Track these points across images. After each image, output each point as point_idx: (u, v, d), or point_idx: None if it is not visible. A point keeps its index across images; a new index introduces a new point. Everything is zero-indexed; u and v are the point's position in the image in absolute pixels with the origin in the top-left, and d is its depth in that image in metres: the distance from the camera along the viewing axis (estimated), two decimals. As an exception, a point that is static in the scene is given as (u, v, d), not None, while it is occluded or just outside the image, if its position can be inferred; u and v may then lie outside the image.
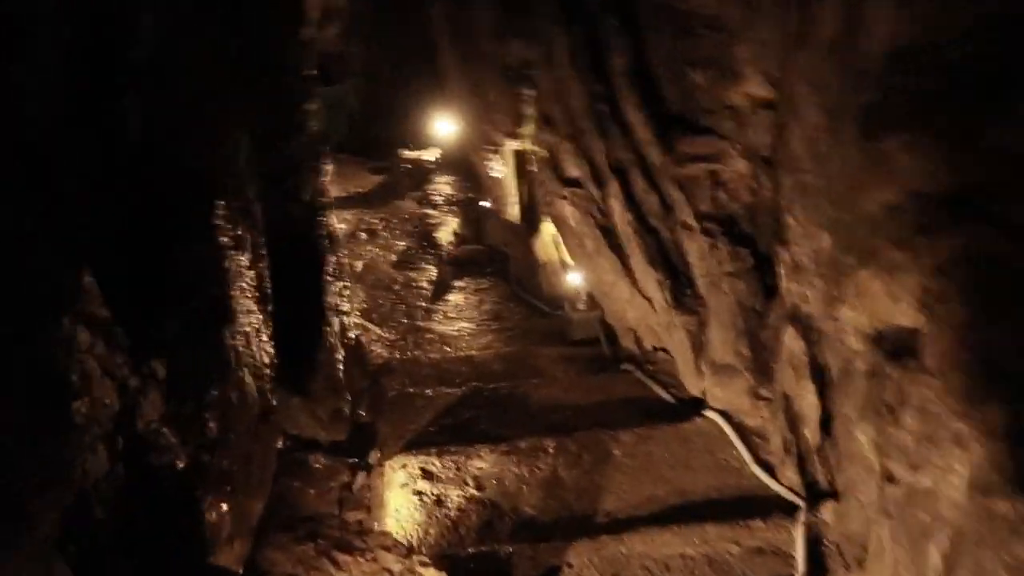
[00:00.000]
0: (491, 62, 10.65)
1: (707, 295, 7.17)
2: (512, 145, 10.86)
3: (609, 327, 10.25)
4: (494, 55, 10.48)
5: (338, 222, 17.19)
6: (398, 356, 10.67)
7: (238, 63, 4.85)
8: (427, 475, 7.08)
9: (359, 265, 14.06)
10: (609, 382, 8.89)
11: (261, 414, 4.81)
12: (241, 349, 4.38)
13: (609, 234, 8.23)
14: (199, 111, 4.06)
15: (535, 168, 9.52)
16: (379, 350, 10.61)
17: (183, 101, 3.80)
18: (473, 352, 10.56)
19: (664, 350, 8.73)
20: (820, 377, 6.01)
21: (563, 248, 10.79)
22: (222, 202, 4.11)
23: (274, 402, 5.93)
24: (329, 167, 8.52)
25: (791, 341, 6.15)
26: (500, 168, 11.62)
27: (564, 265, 11.32)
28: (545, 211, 9.56)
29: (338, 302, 8.15)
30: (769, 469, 6.90)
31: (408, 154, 17.59)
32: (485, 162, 11.85)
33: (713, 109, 7.26)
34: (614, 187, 7.86)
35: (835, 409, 5.81)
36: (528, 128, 9.51)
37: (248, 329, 4.56)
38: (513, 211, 11.96)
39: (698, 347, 7.53)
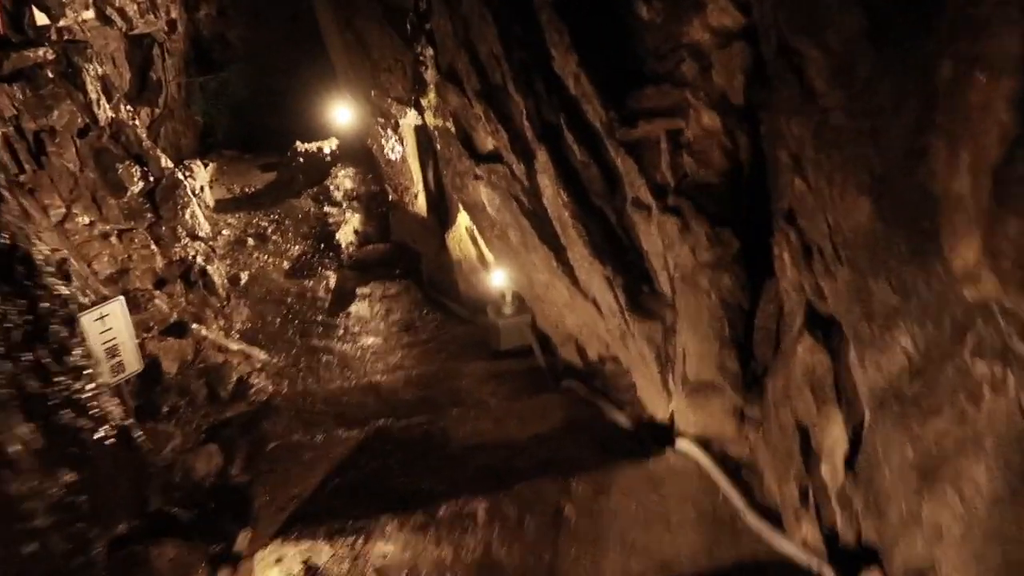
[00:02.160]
0: (375, 12, 8.43)
1: (676, 293, 5.29)
2: (410, 118, 8.68)
3: (543, 334, 8.30)
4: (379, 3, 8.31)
5: (222, 228, 14.82)
6: (286, 389, 8.44)
7: None
8: (312, 571, 4.96)
9: (244, 276, 11.72)
10: (548, 406, 6.92)
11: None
12: None
13: (539, 221, 6.24)
14: None
15: (439, 143, 7.52)
16: (262, 382, 8.37)
17: None
18: (380, 377, 8.42)
19: (614, 359, 6.82)
20: (849, 402, 4.20)
21: (482, 242, 8.78)
22: None
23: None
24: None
25: (809, 354, 4.30)
26: (398, 146, 9.41)
27: (484, 262, 9.30)
28: (457, 197, 7.57)
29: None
30: (772, 519, 5.06)
31: (303, 147, 15.23)
32: (380, 142, 9.60)
33: (667, 50, 5.36)
34: (543, 158, 5.87)
35: (875, 444, 3.99)
36: (429, 97, 7.47)
37: None
38: (419, 201, 9.80)
39: (664, 360, 5.64)
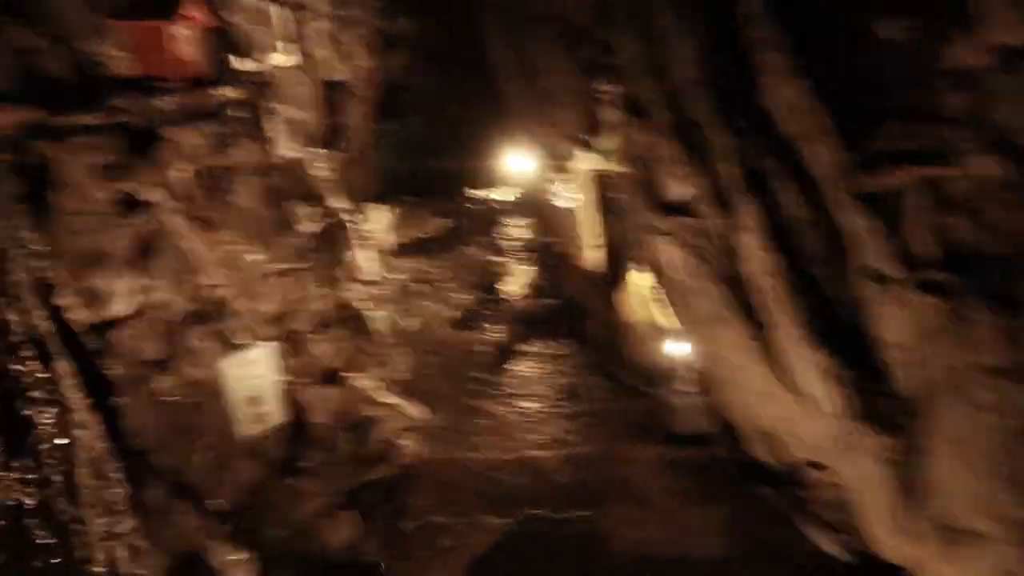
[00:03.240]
0: (549, 33, 7.43)
1: (930, 402, 3.86)
2: (585, 161, 7.64)
3: (729, 422, 6.92)
4: (556, 28, 7.33)
5: (393, 272, 14.52)
6: (435, 454, 7.58)
7: None
8: None
9: (409, 324, 11.16)
10: (733, 516, 5.58)
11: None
12: None
13: (736, 289, 5.00)
14: None
15: (617, 189, 6.43)
16: (411, 443, 7.55)
17: None
18: (537, 452, 7.34)
19: (823, 468, 5.35)
20: None
21: (662, 305, 7.57)
22: None
23: None
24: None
25: None
26: (571, 196, 8.37)
27: (662, 329, 8.06)
28: (635, 254, 6.45)
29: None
30: None
31: (476, 194, 14.76)
32: (549, 188, 8.57)
33: (922, 77, 4.03)
34: (747, 212, 4.66)
35: None
36: (609, 140, 6.46)
37: None
38: (592, 255, 8.72)
39: (907, 489, 4.17)
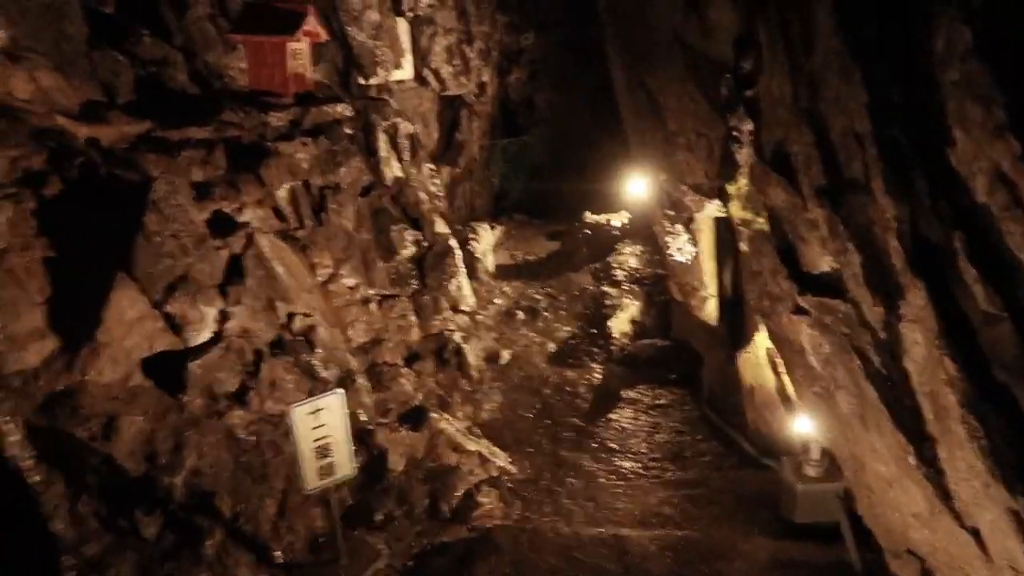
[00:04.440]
0: (676, 67, 6.40)
1: None
2: (710, 210, 6.55)
3: (860, 522, 5.71)
4: (683, 57, 6.28)
5: (496, 296, 13.85)
6: (516, 516, 6.75)
7: None
8: None
9: (506, 355, 10.42)
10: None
11: None
12: None
13: (894, 392, 3.90)
14: None
15: (747, 246, 5.40)
16: (492, 500, 6.77)
17: None
18: (629, 529, 6.37)
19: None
20: None
21: (786, 375, 6.45)
22: None
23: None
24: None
25: None
26: (688, 246, 7.28)
27: (786, 396, 6.91)
28: (762, 321, 5.42)
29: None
30: None
31: (592, 218, 13.85)
32: (665, 237, 7.52)
33: None
34: (917, 300, 3.56)
35: None
36: (739, 184, 5.46)
37: None
38: (707, 307, 7.63)
39: None
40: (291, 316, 7.31)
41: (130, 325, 6.29)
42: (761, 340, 6.70)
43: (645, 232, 12.95)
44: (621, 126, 12.42)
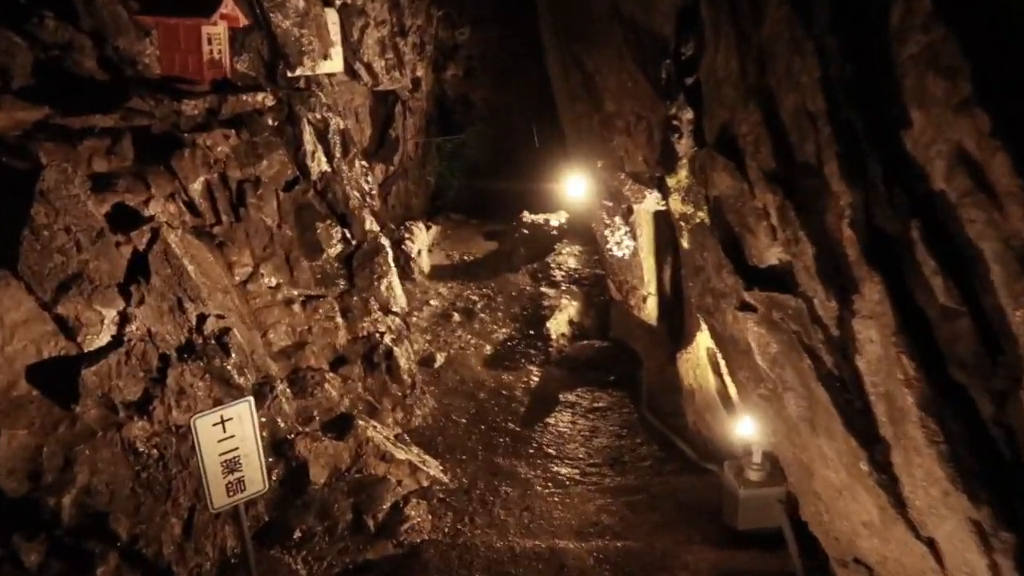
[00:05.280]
0: (614, 41, 5.92)
1: None
2: (649, 203, 6.16)
3: (805, 529, 5.43)
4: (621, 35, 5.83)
5: (431, 297, 13.31)
6: (447, 529, 6.27)
7: None
8: None
9: (440, 358, 9.93)
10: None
11: None
12: None
13: (846, 394, 3.59)
14: None
15: (688, 241, 5.04)
16: (421, 513, 6.28)
17: None
18: (566, 541, 5.96)
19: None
20: None
21: (729, 376, 6.15)
22: None
23: None
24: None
25: None
26: (627, 240, 6.91)
27: (727, 398, 6.62)
28: (704, 319, 5.08)
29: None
30: None
31: (530, 217, 13.46)
32: (603, 230, 7.10)
33: None
34: (872, 293, 3.24)
35: None
36: (680, 175, 5.11)
37: None
38: (647, 306, 7.28)
39: None
40: (203, 318, 6.67)
41: (14, 328, 5.58)
42: (702, 340, 6.39)
43: (584, 232, 12.63)
44: (559, 126, 12.08)
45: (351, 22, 12.01)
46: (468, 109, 15.17)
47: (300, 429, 6.97)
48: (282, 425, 6.83)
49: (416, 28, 13.27)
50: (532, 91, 14.06)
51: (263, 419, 6.70)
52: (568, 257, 12.55)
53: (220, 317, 6.81)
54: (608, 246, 7.11)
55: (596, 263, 11.95)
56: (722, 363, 6.28)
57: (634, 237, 6.74)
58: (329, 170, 9.22)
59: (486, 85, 15.14)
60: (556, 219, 13.44)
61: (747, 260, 4.10)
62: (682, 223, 5.65)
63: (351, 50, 12.23)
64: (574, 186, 12.16)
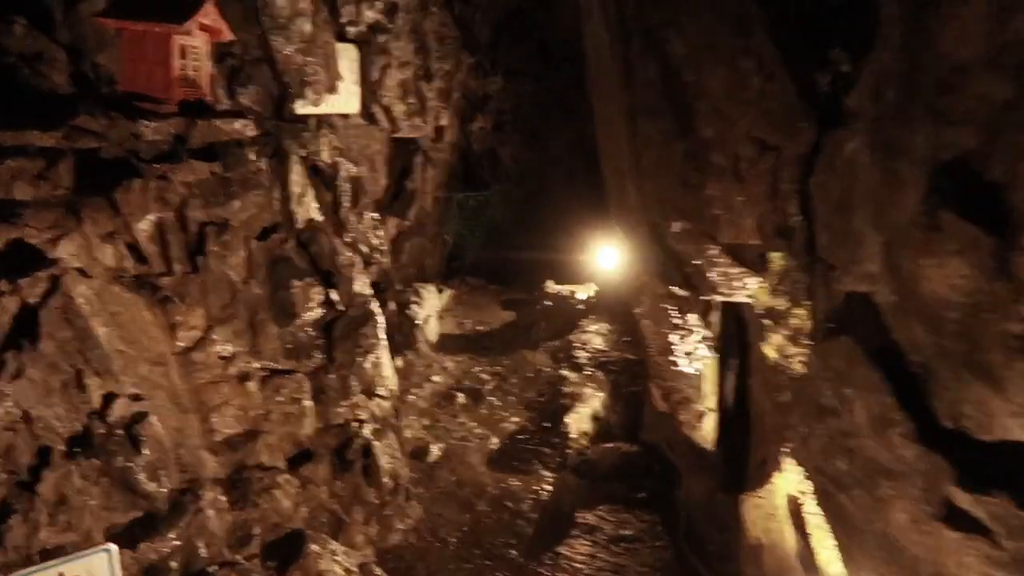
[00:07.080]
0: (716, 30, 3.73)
1: None
2: (746, 291, 4.13)
3: None
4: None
5: (435, 373, 10.99)
6: None
7: None
8: None
9: (436, 451, 8.02)
10: None
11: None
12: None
13: None
14: None
15: (798, 359, 3.24)
16: None
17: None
18: None
19: None
20: None
21: (814, 532, 4.22)
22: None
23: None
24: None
25: None
26: (701, 350, 4.81)
27: (811, 565, 4.65)
28: (827, 487, 3.22)
29: None
30: None
31: (554, 287, 11.69)
32: (668, 330, 5.09)
33: None
34: None
35: None
36: (777, 267, 3.33)
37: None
38: (703, 426, 5.30)
39: None
40: (110, 398, 4.91)
41: None
42: (782, 484, 4.45)
43: (614, 308, 10.81)
44: (595, 190, 10.38)
45: (371, 60, 10.55)
46: (495, 165, 13.58)
47: (227, 556, 5.09)
48: (202, 551, 4.96)
49: (443, 73, 11.79)
50: (566, 152, 12.45)
51: (177, 542, 4.88)
52: (594, 336, 10.67)
53: (137, 399, 5.06)
54: (672, 357, 5.13)
55: (626, 345, 10.08)
56: (808, 517, 4.32)
57: (715, 349, 4.84)
58: (319, 218, 7.57)
59: (516, 141, 13.58)
60: (583, 292, 11.65)
61: (940, 419, 2.24)
62: (768, 321, 3.78)
63: (369, 91, 10.75)
64: (608, 256, 10.40)
